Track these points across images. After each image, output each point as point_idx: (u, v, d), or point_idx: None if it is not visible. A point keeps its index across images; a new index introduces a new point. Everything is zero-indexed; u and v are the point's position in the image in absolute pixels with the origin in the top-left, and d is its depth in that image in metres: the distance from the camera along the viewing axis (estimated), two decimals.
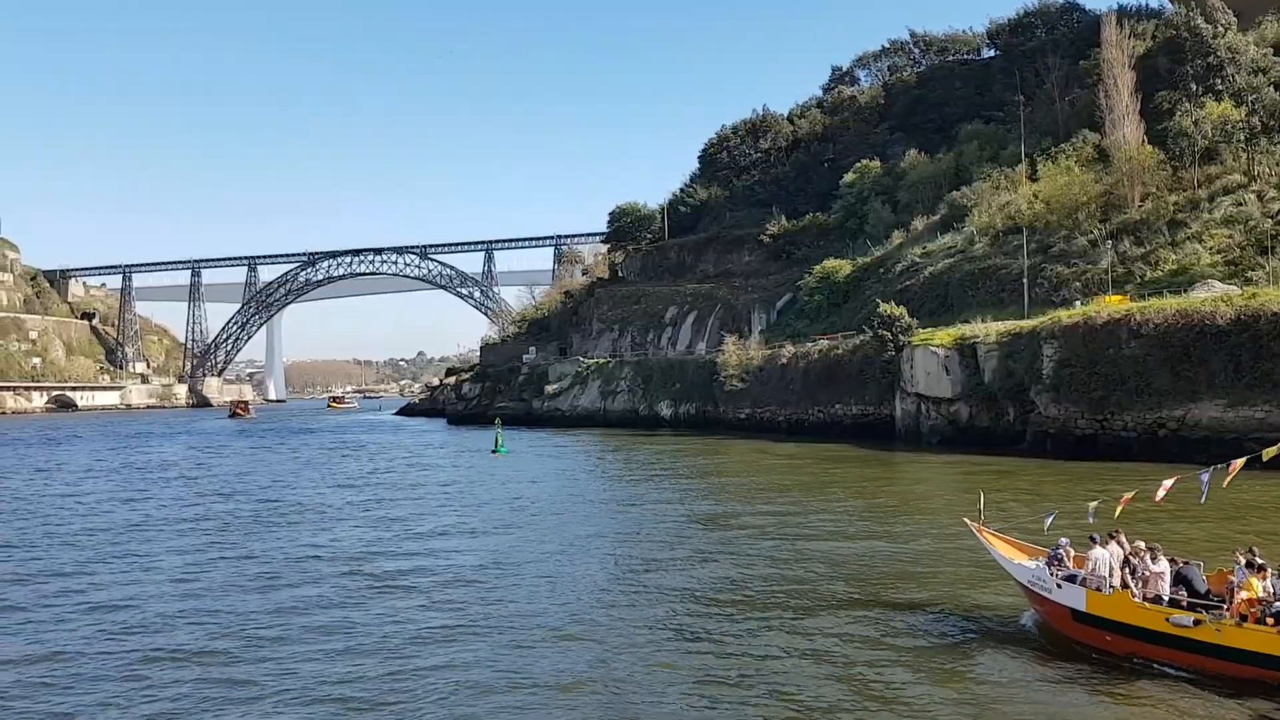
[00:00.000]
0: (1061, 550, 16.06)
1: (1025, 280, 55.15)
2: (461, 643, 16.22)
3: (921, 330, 55.37)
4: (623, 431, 76.22)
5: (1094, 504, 17.17)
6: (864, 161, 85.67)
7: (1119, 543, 15.51)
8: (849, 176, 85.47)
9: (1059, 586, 15.35)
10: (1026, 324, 48.82)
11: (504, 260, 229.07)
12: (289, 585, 20.92)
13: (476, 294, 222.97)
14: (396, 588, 20.51)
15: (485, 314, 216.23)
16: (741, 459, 49.75)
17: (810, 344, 67.39)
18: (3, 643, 17.02)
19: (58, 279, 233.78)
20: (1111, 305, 46.00)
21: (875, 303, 60.71)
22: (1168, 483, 16.31)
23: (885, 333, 56.42)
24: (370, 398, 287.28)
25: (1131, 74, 62.45)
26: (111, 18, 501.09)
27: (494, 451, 56.64)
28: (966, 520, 18.45)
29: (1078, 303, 49.58)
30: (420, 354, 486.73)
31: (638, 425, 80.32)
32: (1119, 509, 16.62)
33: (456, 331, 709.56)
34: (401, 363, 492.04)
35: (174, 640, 16.82)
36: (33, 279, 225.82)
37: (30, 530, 29.81)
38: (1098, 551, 15.19)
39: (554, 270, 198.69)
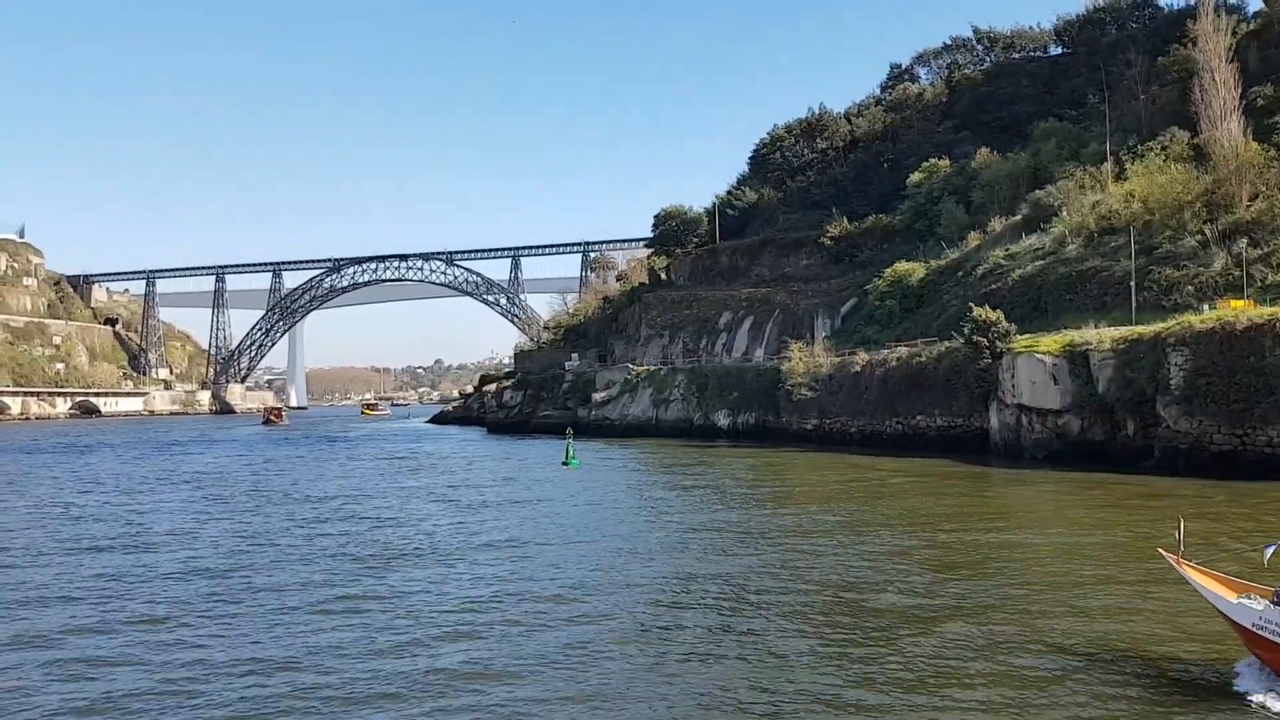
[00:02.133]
0: None
1: (1132, 283, 51.58)
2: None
3: (1020, 336, 51.85)
4: (679, 442, 72.78)
5: None
6: (932, 160, 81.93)
7: None
8: (916, 176, 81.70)
9: None
10: (1147, 329, 45.19)
11: (530, 267, 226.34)
12: (464, 640, 17.40)
13: (503, 301, 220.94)
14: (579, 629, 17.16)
15: (512, 321, 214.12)
16: (841, 475, 46.06)
17: (887, 351, 63.83)
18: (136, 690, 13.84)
19: (81, 284, 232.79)
20: (1247, 310, 42.40)
21: (960, 307, 57.11)
22: None
23: (981, 339, 52.83)
24: (399, 405, 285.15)
25: (1232, 66, 59.25)
26: (134, 17, 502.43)
27: (564, 463, 53.20)
28: (1162, 551, 15.57)
29: (1205, 307, 45.96)
30: (438, 361, 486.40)
31: (693, 435, 77.02)
32: None
33: (473, 340, 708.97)
34: (419, 370, 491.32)
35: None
36: (56, 284, 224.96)
37: (131, 555, 26.59)
38: None
39: (582, 277, 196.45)
